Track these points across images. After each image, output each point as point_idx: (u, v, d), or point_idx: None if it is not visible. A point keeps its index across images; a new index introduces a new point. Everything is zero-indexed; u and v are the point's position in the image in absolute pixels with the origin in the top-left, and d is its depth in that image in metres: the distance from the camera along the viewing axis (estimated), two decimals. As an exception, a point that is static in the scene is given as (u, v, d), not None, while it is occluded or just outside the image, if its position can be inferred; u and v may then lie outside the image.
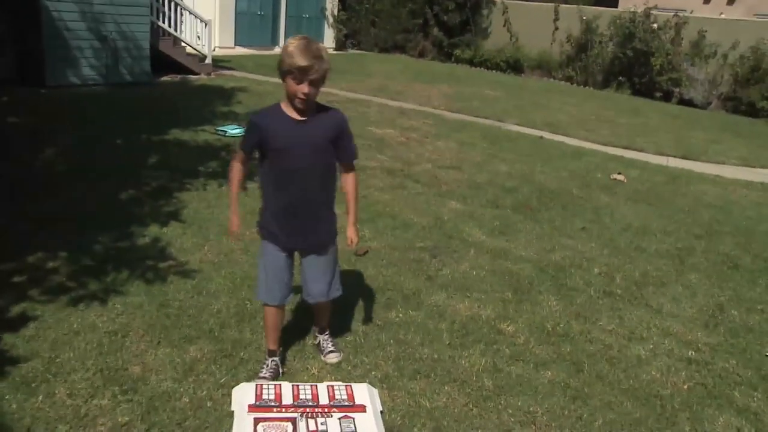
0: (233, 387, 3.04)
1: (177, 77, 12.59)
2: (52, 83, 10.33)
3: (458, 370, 3.39)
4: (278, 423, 2.76)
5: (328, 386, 3.03)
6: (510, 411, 3.09)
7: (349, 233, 3.20)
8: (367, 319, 3.81)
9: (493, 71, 19.13)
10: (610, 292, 4.57)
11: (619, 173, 7.95)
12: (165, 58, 12.45)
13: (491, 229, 5.58)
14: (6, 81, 10.05)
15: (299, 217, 3.01)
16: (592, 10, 18.66)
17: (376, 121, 9.78)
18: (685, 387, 3.44)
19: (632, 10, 17.39)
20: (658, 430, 3.07)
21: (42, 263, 4.20)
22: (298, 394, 2.96)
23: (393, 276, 4.46)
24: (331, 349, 3.39)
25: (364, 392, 3.01)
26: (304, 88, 2.78)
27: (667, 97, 16.67)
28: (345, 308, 3.80)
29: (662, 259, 5.32)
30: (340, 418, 2.82)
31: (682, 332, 4.09)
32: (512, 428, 2.98)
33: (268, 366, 3.18)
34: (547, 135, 10.09)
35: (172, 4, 12.53)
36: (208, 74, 13.03)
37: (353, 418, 2.82)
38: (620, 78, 17.35)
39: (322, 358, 3.37)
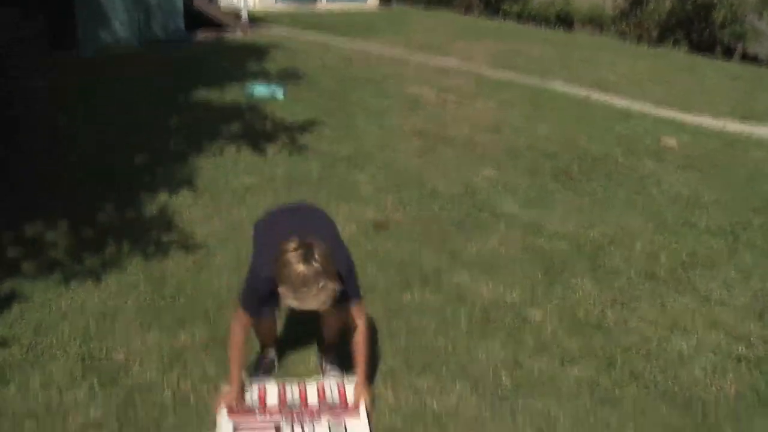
0: (221, 380, 2.76)
1: (212, 35, 12.28)
2: (83, 44, 10.13)
3: (474, 365, 3.05)
4: (261, 430, 2.49)
5: (318, 384, 2.72)
6: (528, 416, 2.74)
7: (356, 395, 2.64)
8: (380, 302, 3.48)
9: (542, 27, 18.26)
10: (652, 275, 4.14)
11: (670, 138, 7.37)
12: (201, 15, 12.15)
13: (526, 200, 5.16)
14: (36, 43, 9.88)
15: None
16: (649, -40, 17.60)
17: (413, 80, 9.32)
18: (733, 391, 3.03)
19: (693, -40, 16.33)
20: (698, 444, 2.70)
21: (40, 234, 3.99)
22: (285, 395, 2.65)
23: (413, 252, 4.11)
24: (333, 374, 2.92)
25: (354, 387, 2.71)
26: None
27: (728, 53, 15.68)
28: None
29: (714, 237, 4.84)
30: (330, 422, 2.54)
31: (732, 324, 3.65)
32: (528, 437, 2.64)
33: (261, 361, 2.89)
34: (594, 95, 9.47)
35: (208, -42, 12.16)
36: (244, 31, 12.68)
37: (344, 423, 2.54)
38: (677, 33, 16.37)
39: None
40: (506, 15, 19.49)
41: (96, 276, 3.58)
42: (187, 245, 3.99)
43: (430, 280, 3.78)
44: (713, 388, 3.05)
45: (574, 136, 7.14)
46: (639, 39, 17.08)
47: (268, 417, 2.54)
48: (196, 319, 3.23)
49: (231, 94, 7.58)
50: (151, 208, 4.48)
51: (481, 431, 2.65)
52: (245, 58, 9.79)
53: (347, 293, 2.47)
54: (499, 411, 2.75)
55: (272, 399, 2.63)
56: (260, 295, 2.46)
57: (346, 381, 2.73)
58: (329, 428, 2.51)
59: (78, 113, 6.51)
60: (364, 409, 2.58)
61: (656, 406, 2.88)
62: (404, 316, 3.39)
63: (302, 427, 2.50)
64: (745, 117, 8.95)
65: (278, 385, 2.70)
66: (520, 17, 19.09)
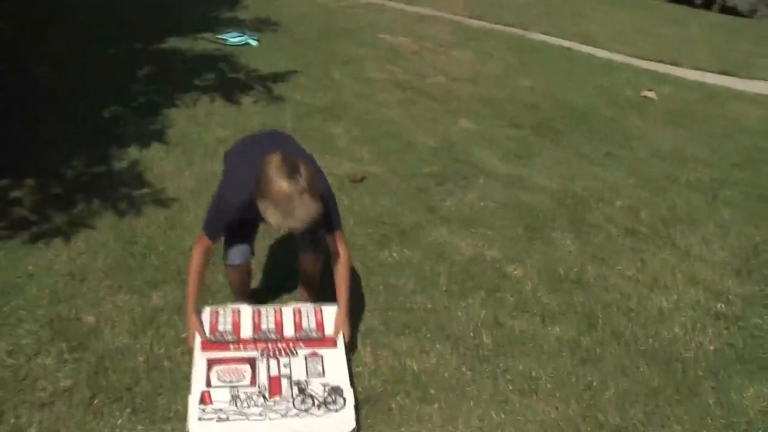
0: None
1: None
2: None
3: (453, 324, 3.01)
4: (234, 366, 2.38)
5: (294, 310, 2.61)
6: (509, 376, 2.72)
7: (336, 327, 2.55)
8: (357, 259, 3.40)
9: (523, -26, 17.92)
10: (633, 231, 4.11)
11: (650, 90, 7.31)
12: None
13: (506, 152, 5.08)
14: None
15: None
16: None
17: (389, 28, 9.08)
18: (712, 348, 3.03)
19: None
20: (677, 403, 2.69)
21: (5, 192, 3.82)
22: (260, 322, 2.55)
23: (391, 207, 4.02)
24: None
25: (334, 318, 2.59)
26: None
27: (708, 3, 15.56)
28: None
29: (694, 192, 4.81)
30: (306, 356, 2.44)
31: (711, 280, 3.65)
32: (509, 398, 2.61)
33: None
34: (576, 46, 9.33)
35: None
36: (217, -24, 12.24)
37: (321, 356, 2.44)
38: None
39: None
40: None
41: (64, 235, 3.44)
42: (159, 201, 3.86)
43: (408, 236, 3.71)
44: (693, 345, 3.05)
45: (555, 87, 7.04)
46: (620, -12, 16.85)
47: (242, 349, 2.45)
48: (169, 279, 3.13)
49: (203, 43, 7.32)
50: (121, 162, 4.32)
51: (461, 392, 2.61)
52: (217, 5, 9.45)
53: (329, 222, 2.40)
54: (480, 371, 2.72)
55: (246, 327, 2.53)
56: (227, 220, 2.39)
57: (323, 307, 2.62)
58: (306, 363, 2.42)
59: (36, 55, 6.24)
60: (342, 341, 2.51)
61: (637, 366, 2.87)
62: (382, 274, 3.33)
63: (278, 362, 2.41)
64: (724, 70, 8.90)
65: (253, 311, 2.59)
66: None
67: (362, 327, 2.91)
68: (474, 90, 6.59)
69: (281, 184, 2.03)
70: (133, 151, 4.48)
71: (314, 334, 2.52)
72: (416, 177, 4.46)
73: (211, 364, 2.37)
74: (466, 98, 6.29)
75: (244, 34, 7.47)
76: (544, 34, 9.96)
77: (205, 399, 2.25)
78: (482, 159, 4.89)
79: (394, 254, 3.51)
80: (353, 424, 2.26)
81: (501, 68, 7.57)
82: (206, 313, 2.56)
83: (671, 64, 8.94)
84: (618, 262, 3.72)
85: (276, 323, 2.54)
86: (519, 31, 9.90)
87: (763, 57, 10.21)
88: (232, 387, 2.29)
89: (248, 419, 2.20)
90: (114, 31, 7.56)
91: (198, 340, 2.45)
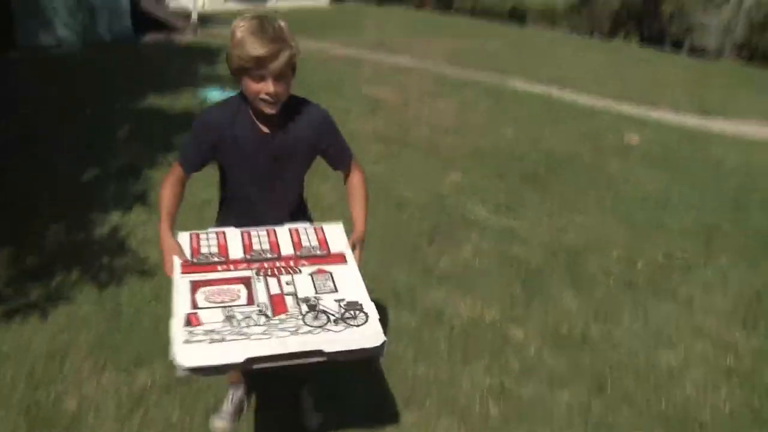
0: (186, 419, 2.52)
1: (161, 36, 11.86)
2: (23, 45, 9.65)
3: (459, 394, 2.86)
4: (226, 287, 1.88)
5: (290, 229, 2.13)
6: (521, 450, 2.57)
7: (351, 243, 2.15)
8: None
9: (496, 22, 18.26)
10: (631, 282, 4.02)
11: (632, 134, 7.33)
12: (148, 17, 11.71)
13: (496, 205, 5.00)
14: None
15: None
16: (599, -46, 17.69)
17: (371, 79, 9.11)
18: (727, 410, 2.91)
19: (641, -47, 16.47)
20: (700, 471, 2.56)
21: (-22, 264, 3.66)
22: (251, 243, 2.06)
23: (384, 267, 3.89)
24: (312, 410, 2.67)
25: (340, 235, 2.12)
26: (269, 86, 1.97)
27: (677, 46, 15.89)
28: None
29: (687, 238, 4.75)
30: (312, 274, 1.95)
31: (717, 331, 3.55)
32: (524, 476, 2.46)
33: (230, 399, 2.65)
34: (554, 92, 9.41)
35: (153, -43, 11.72)
36: (194, 33, 12.28)
37: (330, 273, 1.96)
38: (628, 27, 16.54)
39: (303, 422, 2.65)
40: (459, 10, 19.42)
41: (42, 310, 3.27)
42: (143, 270, 3.70)
43: (404, 299, 3.57)
44: (707, 406, 2.92)
45: (539, 135, 7.03)
46: (591, 33, 17.20)
47: (232, 269, 1.95)
48: (156, 356, 2.96)
49: (183, 100, 7.25)
50: (102, 229, 4.16)
51: (473, 471, 2.46)
52: (197, 61, 9.44)
53: (339, 145, 2.26)
54: (490, 446, 2.57)
55: (235, 248, 2.04)
56: (202, 142, 2.12)
57: (324, 225, 2.16)
58: (312, 281, 1.93)
59: (17, 122, 6.11)
60: (353, 257, 2.05)
61: (651, 429, 2.74)
62: (381, 341, 3.18)
63: (278, 280, 1.91)
64: (702, 111, 9.01)
65: (241, 233, 2.09)
66: (473, 13, 19.03)
67: (364, 401, 2.76)
68: (459, 141, 6.55)
69: (243, 18, 1.98)
70: (115, 216, 4.34)
71: (318, 252, 2.05)
72: (408, 234, 4.36)
73: (196, 286, 1.88)
74: (452, 150, 6.24)
75: (225, 89, 7.41)
76: (523, 80, 10.05)
77: (191, 321, 1.75)
78: (473, 212, 4.80)
79: (392, 319, 3.37)
80: (383, 337, 1.76)
81: (484, 117, 7.57)
82: (184, 237, 2.07)
83: (649, 106, 9.03)
84: (621, 317, 3.61)
85: (270, 244, 2.07)
86: (499, 79, 9.98)
87: (736, 97, 10.38)
88: (225, 307, 1.80)
89: (249, 339, 1.70)
90: (91, 89, 7.47)
91: (178, 263, 1.96)
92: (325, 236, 2.10)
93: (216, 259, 1.96)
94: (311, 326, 1.74)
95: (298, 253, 2.02)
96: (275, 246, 2.05)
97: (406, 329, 3.30)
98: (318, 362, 1.72)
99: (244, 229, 2.09)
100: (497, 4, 18.67)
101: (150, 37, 11.60)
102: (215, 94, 7.25)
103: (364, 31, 14.01)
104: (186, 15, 12.57)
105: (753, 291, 4.04)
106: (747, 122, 8.75)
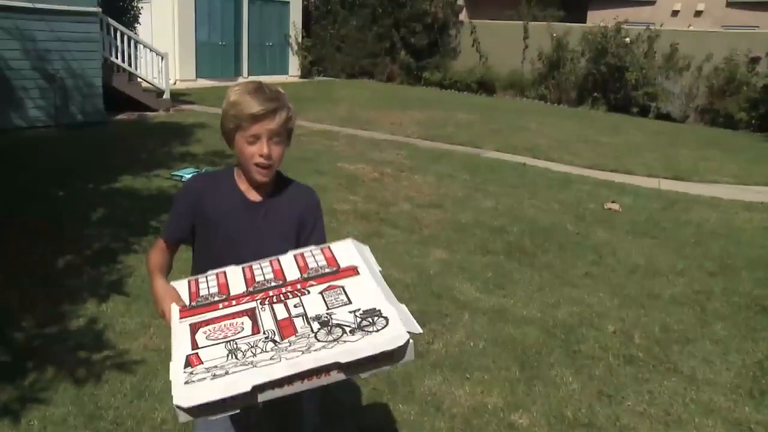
0: None
1: (134, 115, 11.83)
2: (-9, 127, 9.50)
3: (467, 492, 2.68)
4: (228, 322, 1.72)
5: (295, 255, 1.93)
6: None
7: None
8: (348, 420, 3.08)
9: (465, 93, 18.63)
10: (631, 358, 3.90)
11: (613, 201, 7.35)
12: (121, 95, 11.69)
13: (484, 282, 4.89)
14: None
15: None
16: (562, 26, 18.27)
17: (346, 155, 9.09)
18: (751, 496, 2.76)
19: (602, 24, 17.03)
20: None
21: (-56, 365, 3.42)
22: (253, 276, 1.88)
23: (376, 353, 3.72)
24: None
25: (350, 251, 1.93)
26: (263, 147, 1.92)
27: (644, 111, 16.30)
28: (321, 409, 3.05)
29: (680, 307, 4.68)
30: (321, 291, 1.77)
31: (726, 407, 3.42)
32: None
33: None
34: (529, 161, 9.48)
35: (125, 38, 11.77)
36: (167, 110, 12.28)
37: (342, 286, 1.78)
38: (595, 94, 16.97)
39: None
40: (428, 83, 19.78)
41: (14, 414, 3.04)
42: (123, 364, 3.49)
43: (400, 388, 3.40)
44: (729, 494, 2.77)
45: (519, 206, 7.00)
46: (559, 101, 17.59)
47: (234, 304, 1.79)
48: (140, 464, 2.74)
49: (157, 181, 7.13)
50: (78, 321, 3.96)
51: None
52: (170, 140, 9.37)
53: (319, 236, 2.09)
54: None
55: (237, 284, 1.86)
56: (181, 210, 2.08)
57: (331, 245, 1.98)
58: (323, 299, 1.75)
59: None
60: (366, 268, 1.85)
61: None
62: (379, 436, 3.00)
63: (285, 305, 1.74)
64: (676, 175, 9.11)
65: (242, 268, 1.91)
66: (441, 85, 19.39)
67: (366, 505, 2.56)
68: (441, 215, 6.49)
69: (239, 84, 2.00)
70: (91, 307, 4.14)
71: (327, 270, 1.86)
72: (398, 315, 4.20)
73: (195, 327, 1.74)
74: (433, 225, 6.17)
75: (199, 169, 7.32)
76: (497, 150, 10.13)
77: (191, 361, 1.62)
78: (462, 292, 4.68)
79: (389, 411, 3.20)
80: (406, 336, 1.58)
81: (462, 190, 7.55)
82: (182, 284, 1.92)
83: (625, 173, 9.12)
84: (625, 396, 3.48)
85: (275, 272, 1.89)
86: (472, 150, 10.05)
87: (706, 160, 10.56)
88: (228, 341, 1.66)
89: (256, 367, 1.55)
90: (62, 171, 7.32)
91: (176, 309, 1.83)
92: (333, 254, 1.91)
93: (217, 299, 1.82)
94: (324, 341, 1.58)
95: (304, 275, 1.84)
96: (280, 273, 1.87)
97: (406, 421, 3.12)
98: (337, 382, 1.56)
99: (246, 264, 1.92)
100: (466, 75, 19.05)
101: (122, 116, 11.55)
102: (190, 174, 7.15)
103: (336, 104, 14.14)
104: (158, 93, 12.58)
105: (755, 361, 3.94)
106: (721, 184, 8.86)
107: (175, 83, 14.98)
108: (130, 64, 11.97)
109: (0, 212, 5.85)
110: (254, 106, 1.89)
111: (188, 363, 1.60)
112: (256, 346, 1.61)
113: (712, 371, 3.81)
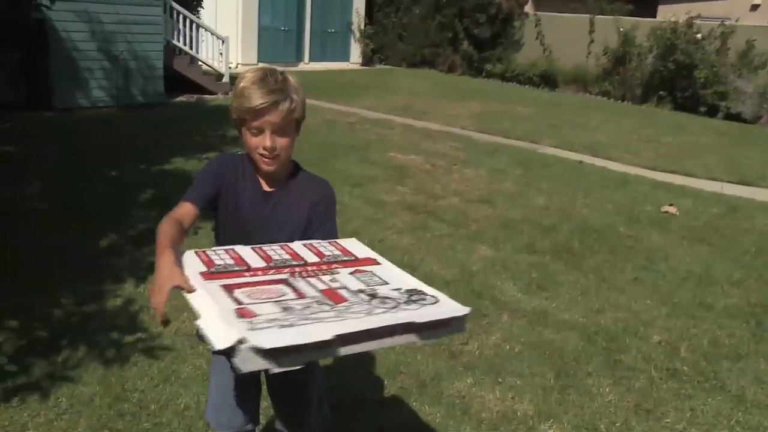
0: None
1: (193, 97, 12.00)
2: (59, 106, 9.79)
3: (487, 503, 2.58)
4: (266, 287, 1.58)
5: (306, 245, 1.86)
6: None
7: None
8: (369, 418, 3.01)
9: (526, 86, 18.25)
10: (674, 372, 3.71)
11: (671, 204, 7.05)
12: (181, 77, 11.88)
13: (527, 282, 4.74)
14: (13, 105, 9.48)
15: None
16: (629, 20, 17.66)
17: (398, 145, 9.00)
18: None
19: (673, 19, 16.40)
20: None
21: (-18, 337, 3.50)
22: (269, 256, 1.77)
23: (408, 353, 3.64)
24: None
25: (360, 246, 1.91)
26: (266, 140, 1.89)
27: (712, 112, 15.62)
28: (342, 406, 2.99)
29: (734, 320, 4.44)
30: (351, 273, 1.70)
31: (775, 433, 3.22)
32: None
33: None
34: (586, 159, 9.20)
35: (188, 21, 11.93)
36: (225, 93, 12.40)
37: (370, 271, 1.73)
38: (661, 92, 16.36)
39: None
40: (489, 75, 19.47)
41: (43, 390, 3.08)
42: (153, 347, 3.51)
43: (428, 389, 3.31)
44: None
45: (571, 205, 6.79)
46: (623, 98, 17.05)
47: (261, 275, 1.65)
48: (159, 449, 2.74)
49: (209, 164, 7.18)
50: (115, 300, 4.00)
51: None
52: (224, 124, 9.44)
53: (328, 229, 2.01)
54: None
55: (253, 259, 1.75)
56: (212, 175, 2.02)
57: (339, 240, 1.94)
58: (357, 278, 1.67)
59: (38, 181, 6.06)
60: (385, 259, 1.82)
61: None
62: (402, 437, 2.92)
63: (320, 279, 1.64)
64: (741, 180, 8.70)
65: (253, 248, 1.82)
66: (503, 77, 19.06)
67: None
68: (490, 211, 6.34)
69: (250, 69, 1.96)
70: (129, 287, 4.19)
71: (344, 258, 1.80)
72: (434, 313, 4.10)
73: (229, 288, 1.55)
74: (481, 221, 6.03)
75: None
76: (553, 147, 9.87)
77: (244, 314, 1.43)
78: (503, 292, 4.54)
79: (415, 412, 3.11)
80: (468, 308, 1.57)
81: (514, 186, 7.36)
82: (190, 254, 1.77)
83: (686, 175, 8.76)
84: (665, 412, 3.30)
85: (290, 254, 1.80)
86: (528, 145, 9.82)
87: (777, 165, 10.05)
88: (276, 303, 1.50)
89: (324, 322, 1.41)
90: (118, 151, 7.46)
91: (195, 271, 1.64)
92: (344, 247, 1.87)
93: (237, 268, 1.67)
94: (385, 308, 1.50)
95: (324, 260, 1.77)
96: (296, 256, 1.79)
97: (430, 423, 3.04)
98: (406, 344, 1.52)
99: (255, 246, 1.84)
100: (528, 68, 18.67)
101: (181, 98, 11.73)
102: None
103: (394, 93, 14.04)
104: (218, 76, 12.73)
105: (810, 384, 3.70)
106: (790, 192, 8.41)
107: (237, 67, 15.13)
108: (191, 48, 12.14)
109: (52, 189, 5.99)
110: (255, 100, 1.85)
111: (240, 315, 1.42)
112: (310, 307, 1.48)
113: (764, 392, 3.59)
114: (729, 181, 8.60)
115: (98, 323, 3.73)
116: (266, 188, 2.02)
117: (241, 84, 1.90)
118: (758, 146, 11.63)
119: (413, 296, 1.59)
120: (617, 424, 3.16)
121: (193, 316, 1.49)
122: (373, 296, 1.56)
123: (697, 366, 3.80)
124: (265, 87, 1.86)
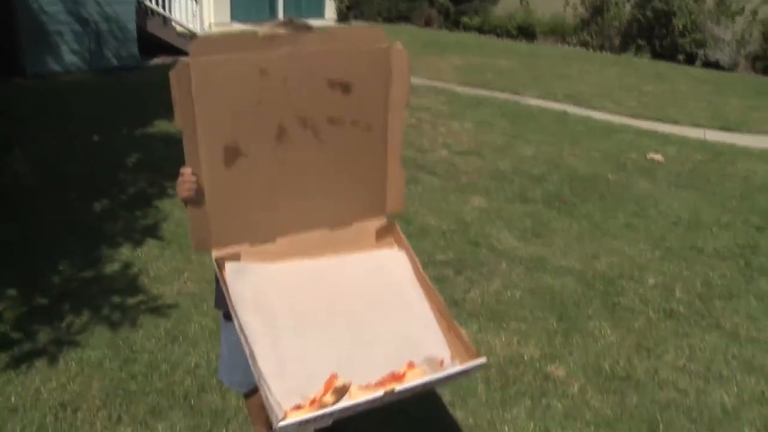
0: None
1: (168, 59, 11.74)
2: (30, 72, 9.54)
3: (501, 443, 2.65)
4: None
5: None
6: (575, 508, 2.35)
7: None
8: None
9: (504, 38, 18.12)
10: (671, 312, 3.79)
11: (656, 152, 7.12)
12: (155, 40, 11.62)
13: (522, 230, 4.79)
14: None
15: None
16: (607, -31, 17.54)
17: (383, 101, 8.92)
18: (795, 456, 2.68)
19: (651, -34, 16.31)
20: None
21: (-17, 306, 3.47)
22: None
23: (411, 302, 3.68)
24: None
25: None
26: None
27: (690, 59, 15.66)
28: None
29: (724, 261, 4.53)
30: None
31: (770, 365, 3.32)
32: None
33: None
34: (570, 109, 9.21)
35: (160, -19, 11.64)
36: (202, 55, 12.17)
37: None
38: (639, 41, 16.33)
39: None
40: (466, 28, 19.29)
41: (52, 355, 3.08)
42: (157, 309, 3.51)
43: (435, 336, 3.35)
44: (772, 452, 2.69)
45: (558, 154, 6.82)
46: (601, 48, 17.02)
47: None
48: (174, 405, 2.76)
49: (193, 125, 7.08)
50: (113, 265, 3.98)
51: None
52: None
53: None
54: (541, 505, 2.35)
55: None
56: None
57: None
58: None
59: (22, 152, 5.95)
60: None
61: (715, 482, 2.51)
62: (413, 384, 2.97)
63: None
64: (723, 126, 8.78)
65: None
66: (481, 30, 18.90)
67: (398, 454, 2.55)
68: (479, 163, 6.35)
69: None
70: (125, 251, 4.16)
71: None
72: (434, 265, 4.13)
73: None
74: (471, 172, 6.04)
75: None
76: (537, 98, 9.86)
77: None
78: (500, 240, 4.59)
79: (423, 359, 3.16)
80: (484, 358, 1.68)
81: (501, 137, 7.37)
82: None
83: (669, 122, 8.81)
84: (665, 350, 3.39)
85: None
86: (511, 97, 9.80)
87: (756, 110, 10.14)
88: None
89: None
90: (97, 116, 7.33)
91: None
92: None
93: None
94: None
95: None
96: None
97: (440, 370, 3.08)
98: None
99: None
100: (505, 20, 18.52)
101: (157, 60, 11.50)
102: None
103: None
104: (193, 36, 12.48)
105: (801, 318, 3.81)
106: (770, 136, 8.51)
107: (209, 27, 14.84)
108: (164, 8, 11.86)
109: (35, 157, 5.89)
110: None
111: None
112: None
113: (755, 328, 3.69)
114: (712, 128, 8.68)
115: (98, 288, 3.72)
116: None
117: None
118: (737, 93, 11.71)
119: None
120: (620, 363, 3.24)
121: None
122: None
123: (693, 306, 3.89)
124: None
